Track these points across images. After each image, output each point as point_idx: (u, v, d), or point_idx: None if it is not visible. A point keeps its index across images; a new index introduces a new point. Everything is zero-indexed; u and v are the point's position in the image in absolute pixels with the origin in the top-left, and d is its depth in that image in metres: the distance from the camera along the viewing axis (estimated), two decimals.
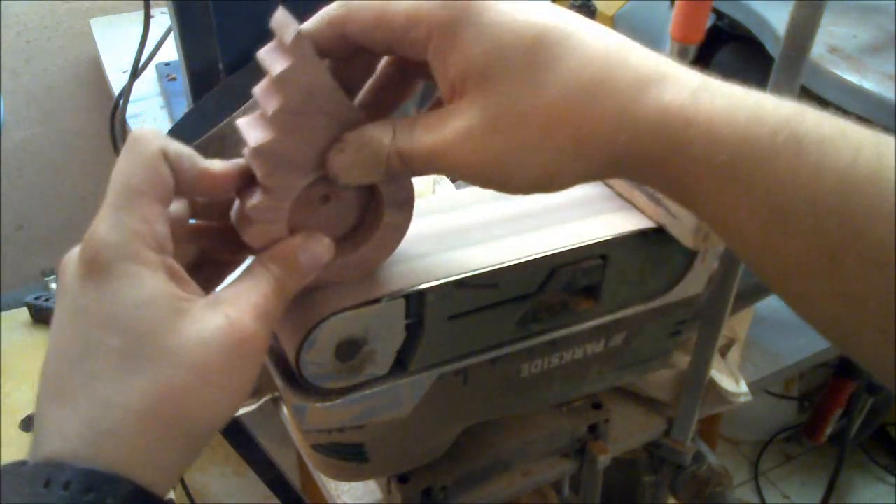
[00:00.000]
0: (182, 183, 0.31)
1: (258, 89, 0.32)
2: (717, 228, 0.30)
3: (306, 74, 0.30)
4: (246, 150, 0.32)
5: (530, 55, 0.29)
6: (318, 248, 0.33)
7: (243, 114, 0.34)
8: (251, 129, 0.32)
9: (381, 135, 0.32)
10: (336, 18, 0.31)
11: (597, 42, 0.29)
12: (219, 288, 0.33)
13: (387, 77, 0.35)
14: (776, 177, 0.26)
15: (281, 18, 0.30)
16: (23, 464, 0.28)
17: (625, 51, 0.29)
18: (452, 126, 0.30)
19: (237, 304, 0.30)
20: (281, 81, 0.30)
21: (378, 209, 0.36)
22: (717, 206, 0.28)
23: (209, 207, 0.35)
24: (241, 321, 0.30)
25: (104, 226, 0.29)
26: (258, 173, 0.32)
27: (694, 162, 0.27)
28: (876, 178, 0.25)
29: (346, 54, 0.33)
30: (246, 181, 0.33)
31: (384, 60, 0.35)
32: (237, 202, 0.33)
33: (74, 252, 0.30)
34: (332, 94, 0.31)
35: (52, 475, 0.26)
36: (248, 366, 0.30)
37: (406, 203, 0.36)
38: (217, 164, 0.33)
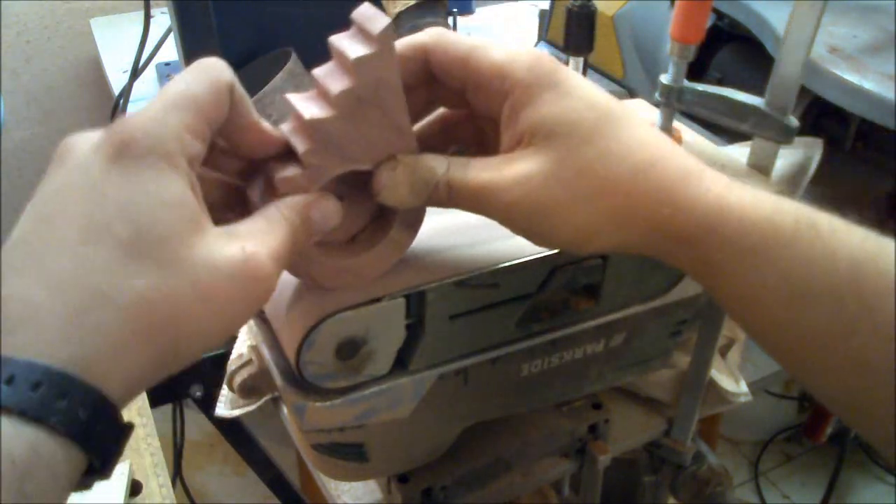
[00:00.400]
0: (232, 124, 0.31)
1: (321, 71, 0.33)
2: (736, 307, 0.33)
3: (382, 66, 0.32)
4: (288, 126, 0.33)
5: (598, 124, 0.32)
6: (330, 208, 0.33)
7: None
8: (308, 104, 0.32)
9: (436, 164, 0.34)
10: (426, 44, 0.34)
11: (649, 132, 0.34)
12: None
13: (430, 130, 0.38)
14: (798, 258, 0.30)
15: (369, 11, 0.32)
16: None
17: (671, 145, 0.34)
18: (514, 168, 0.33)
19: (255, 240, 0.30)
20: (358, 64, 0.31)
21: (387, 223, 0.36)
22: (742, 285, 0.32)
23: (227, 161, 0.34)
24: (257, 257, 0.29)
25: (148, 116, 0.28)
26: (302, 147, 0.32)
27: (726, 243, 0.31)
28: (881, 258, 0.30)
29: (416, 81, 0.35)
30: (280, 153, 0.33)
31: (434, 116, 0.38)
32: (262, 175, 0.33)
33: (88, 134, 0.29)
34: (398, 94, 0.33)
35: (17, 371, 0.23)
36: (249, 302, 0.29)
37: (414, 224, 0.37)
38: (266, 124, 0.33)
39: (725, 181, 0.33)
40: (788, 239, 0.31)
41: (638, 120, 0.34)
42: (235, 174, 0.34)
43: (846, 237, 0.30)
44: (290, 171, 0.32)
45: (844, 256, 0.30)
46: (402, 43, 0.34)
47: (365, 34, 0.32)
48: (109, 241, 0.26)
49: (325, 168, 0.33)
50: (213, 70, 0.30)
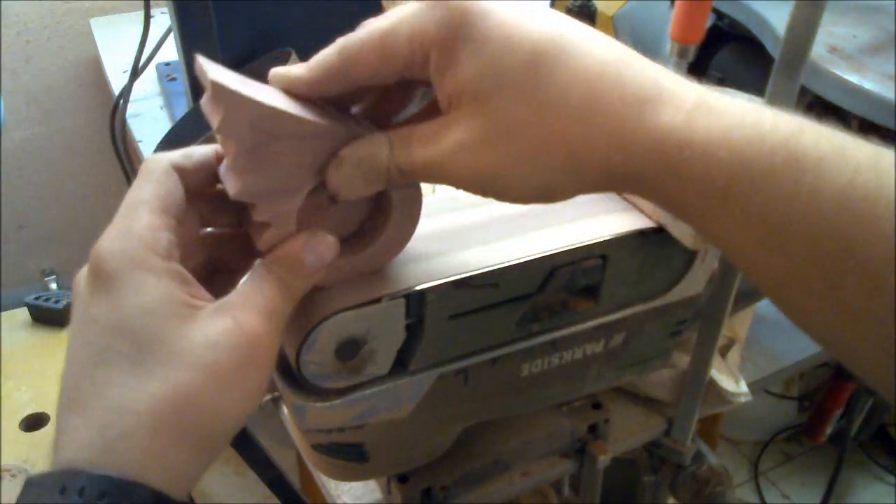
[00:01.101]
0: (196, 180, 0.33)
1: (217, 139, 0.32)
2: (713, 242, 0.30)
3: (239, 115, 0.30)
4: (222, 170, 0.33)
5: (523, 72, 0.29)
6: (322, 247, 0.33)
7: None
8: (226, 179, 0.32)
9: (377, 149, 0.32)
10: (336, 69, 0.32)
11: (591, 58, 0.29)
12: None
13: (387, 88, 0.35)
14: (774, 198, 0.26)
15: (199, 66, 0.31)
16: (48, 475, 0.28)
17: (622, 66, 0.29)
18: (448, 139, 0.31)
19: (243, 306, 0.31)
20: (221, 132, 0.30)
21: (386, 211, 0.36)
22: (713, 225, 0.28)
23: (220, 214, 0.35)
24: (248, 322, 0.30)
25: (110, 236, 0.30)
26: (251, 212, 0.32)
27: (690, 183, 0.27)
28: (874, 197, 0.25)
29: (355, 93, 0.33)
30: None
31: None
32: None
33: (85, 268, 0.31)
34: (282, 119, 0.30)
35: (67, 482, 0.27)
36: (258, 366, 0.31)
37: (413, 206, 0.36)
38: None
39: (689, 104, 0.28)
40: (762, 176, 0.26)
41: (578, 45, 0.29)
42: (232, 222, 0.35)
43: (835, 169, 0.25)
44: (260, 232, 0.32)
45: (829, 196, 0.25)
46: (316, 71, 0.32)
47: (211, 95, 0.30)
48: (115, 358, 0.29)
49: (283, 210, 0.32)
50: (150, 164, 0.32)
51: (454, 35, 0.29)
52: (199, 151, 0.34)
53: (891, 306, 0.25)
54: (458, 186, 0.32)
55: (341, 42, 0.32)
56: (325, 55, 0.32)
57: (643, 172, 0.28)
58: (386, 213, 0.36)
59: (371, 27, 0.31)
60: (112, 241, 0.30)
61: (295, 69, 0.33)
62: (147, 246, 0.30)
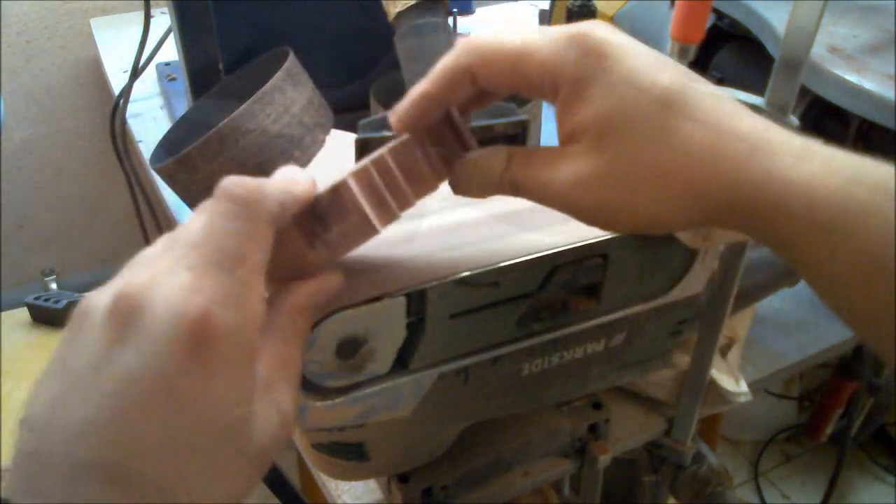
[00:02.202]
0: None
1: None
2: (811, 277, 0.32)
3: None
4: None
5: (652, 116, 0.31)
6: (333, 285, 0.34)
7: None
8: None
9: (493, 161, 0.34)
10: (469, 66, 0.33)
11: (712, 109, 0.31)
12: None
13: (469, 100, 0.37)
14: (873, 233, 0.28)
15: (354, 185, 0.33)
16: None
17: (737, 117, 0.31)
18: (568, 169, 0.32)
19: (284, 390, 0.30)
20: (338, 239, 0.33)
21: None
22: (814, 257, 0.30)
23: None
24: (288, 416, 0.30)
25: (223, 297, 0.27)
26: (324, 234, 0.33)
27: (794, 219, 0.30)
28: None
29: (467, 100, 0.35)
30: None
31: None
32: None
33: (156, 298, 0.26)
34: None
35: None
36: (281, 447, 0.31)
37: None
38: (304, 186, 0.33)
39: (797, 150, 0.30)
40: (862, 212, 0.28)
41: (700, 96, 0.32)
42: None
43: None
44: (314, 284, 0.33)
45: None
46: (443, 67, 0.34)
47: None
48: (188, 450, 0.26)
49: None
50: (259, 211, 0.29)
51: (589, 74, 0.31)
52: (290, 202, 0.31)
53: None
54: (568, 213, 0.33)
55: (473, 44, 0.33)
56: (455, 55, 0.33)
57: (753, 209, 0.31)
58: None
59: (504, 38, 0.33)
60: (227, 308, 0.27)
61: (420, 86, 0.34)
62: (255, 322, 0.28)
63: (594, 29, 0.32)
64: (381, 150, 0.34)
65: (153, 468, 0.26)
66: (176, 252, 0.28)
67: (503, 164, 0.34)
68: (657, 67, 0.32)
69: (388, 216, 0.34)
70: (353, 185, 0.33)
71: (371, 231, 0.33)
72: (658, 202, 0.32)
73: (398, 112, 0.34)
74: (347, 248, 0.34)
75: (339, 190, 0.33)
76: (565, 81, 0.32)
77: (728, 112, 0.32)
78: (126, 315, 0.26)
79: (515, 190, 0.34)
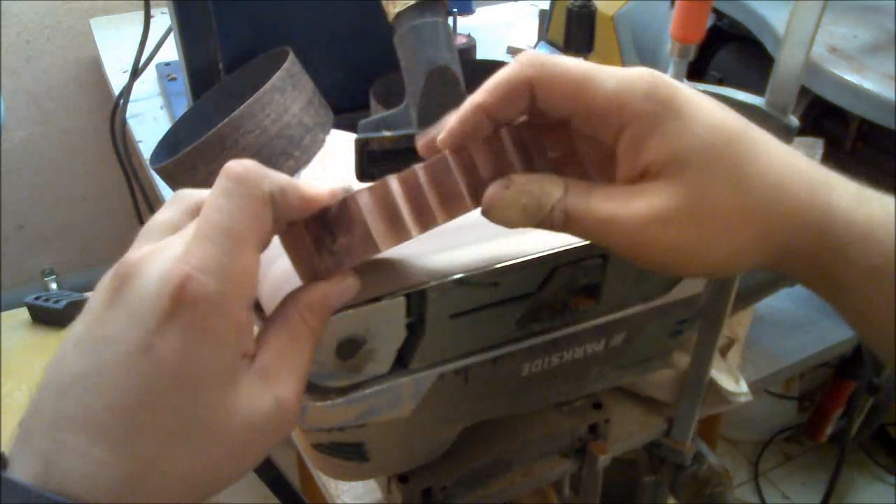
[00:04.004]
0: (281, 217, 0.31)
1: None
2: (860, 321, 0.32)
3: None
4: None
5: (727, 152, 0.31)
6: (348, 288, 0.33)
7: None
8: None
9: (552, 187, 0.32)
10: (530, 79, 0.32)
11: (776, 148, 0.32)
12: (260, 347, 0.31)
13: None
14: None
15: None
16: (21, 485, 0.25)
17: (796, 157, 0.32)
18: (645, 203, 0.31)
19: (284, 380, 0.30)
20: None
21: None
22: (866, 302, 0.31)
23: None
24: (287, 403, 0.30)
25: (204, 264, 0.27)
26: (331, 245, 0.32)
27: (849, 262, 0.30)
28: None
29: (519, 114, 0.33)
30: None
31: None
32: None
33: (148, 266, 0.27)
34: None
35: None
36: (277, 440, 0.30)
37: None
38: (314, 191, 0.32)
39: (853, 193, 0.31)
40: None
41: (761, 137, 0.32)
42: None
43: None
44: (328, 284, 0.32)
45: None
46: (504, 78, 0.32)
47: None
48: (163, 407, 0.26)
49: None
50: (249, 186, 0.29)
51: (661, 110, 0.31)
52: (293, 193, 0.31)
53: None
54: (631, 252, 0.32)
55: (539, 59, 0.32)
56: (519, 65, 0.32)
57: (810, 247, 0.31)
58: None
59: (570, 60, 0.32)
60: (209, 275, 0.27)
61: (475, 98, 0.33)
62: (241, 295, 0.28)
63: (655, 73, 0.32)
64: (416, 166, 0.33)
65: (127, 423, 0.26)
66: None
67: (560, 192, 0.32)
68: (721, 109, 0.32)
69: (399, 236, 0.33)
70: (364, 201, 0.32)
71: (373, 249, 0.32)
72: (733, 244, 0.31)
73: (448, 127, 0.33)
74: (351, 262, 0.32)
75: (347, 203, 0.32)
76: (635, 116, 0.31)
77: (786, 152, 0.32)
78: (121, 282, 0.27)
79: (566, 223, 0.32)
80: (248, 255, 0.28)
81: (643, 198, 0.31)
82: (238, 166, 0.29)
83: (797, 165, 0.31)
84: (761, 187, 0.31)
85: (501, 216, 0.33)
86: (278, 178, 0.30)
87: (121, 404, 0.26)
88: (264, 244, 0.30)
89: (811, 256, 0.31)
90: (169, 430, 0.27)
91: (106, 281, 0.28)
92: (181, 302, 0.26)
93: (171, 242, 0.29)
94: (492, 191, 0.33)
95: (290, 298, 0.32)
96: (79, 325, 0.28)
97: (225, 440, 0.28)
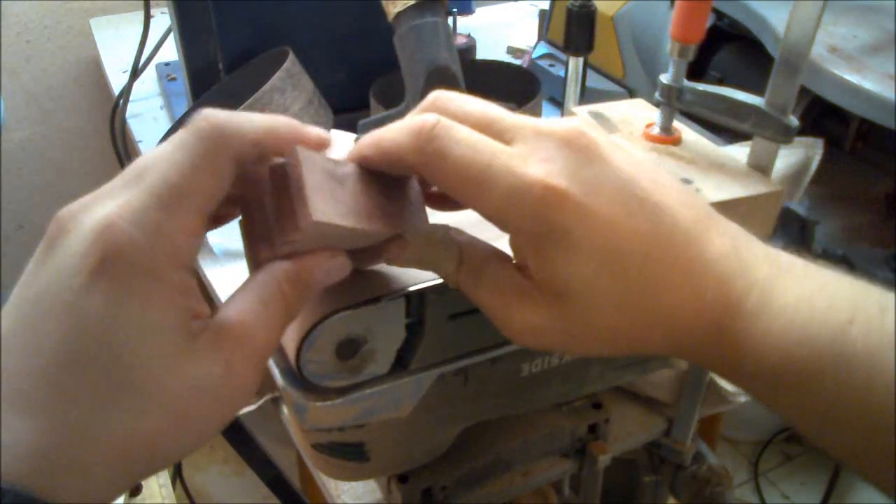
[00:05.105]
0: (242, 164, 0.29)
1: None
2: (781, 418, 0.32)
3: (321, 232, 0.29)
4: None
5: (609, 285, 0.29)
6: (336, 267, 0.31)
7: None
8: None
9: (445, 261, 0.34)
10: (410, 167, 0.30)
11: (674, 273, 0.30)
12: (224, 302, 0.29)
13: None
14: (822, 392, 0.28)
15: (295, 163, 0.29)
16: None
17: (697, 280, 0.30)
18: (522, 315, 0.31)
19: (240, 345, 0.28)
20: (296, 242, 0.29)
21: None
22: (771, 405, 0.31)
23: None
24: (241, 370, 0.28)
25: (133, 216, 0.25)
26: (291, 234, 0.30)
27: (745, 377, 0.31)
28: None
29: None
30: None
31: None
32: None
33: (83, 217, 0.26)
34: (354, 233, 0.31)
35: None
36: (228, 414, 0.28)
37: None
38: (277, 125, 0.30)
39: (752, 305, 0.30)
40: (810, 375, 0.28)
41: (663, 254, 0.30)
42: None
43: (884, 364, 0.26)
44: (291, 237, 0.29)
45: (881, 388, 0.26)
46: (388, 152, 0.31)
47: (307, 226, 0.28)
48: (90, 368, 0.25)
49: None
50: (216, 138, 0.27)
51: (544, 233, 0.29)
52: (252, 133, 0.28)
53: None
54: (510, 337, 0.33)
55: (426, 145, 0.29)
56: (399, 151, 0.30)
57: (701, 361, 0.32)
58: None
59: (465, 148, 0.29)
60: (136, 227, 0.25)
61: (360, 147, 0.32)
62: (174, 254, 0.26)
63: (555, 192, 0.29)
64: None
65: (50, 389, 0.24)
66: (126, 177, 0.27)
67: (452, 267, 0.34)
68: (630, 218, 0.29)
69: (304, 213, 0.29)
70: (301, 157, 0.29)
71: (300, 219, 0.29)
72: (610, 349, 0.32)
73: (351, 151, 0.33)
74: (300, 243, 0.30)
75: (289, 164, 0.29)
76: (519, 232, 0.30)
77: (687, 272, 0.30)
78: (55, 236, 0.26)
79: (462, 291, 0.34)
80: (190, 216, 0.26)
81: (522, 309, 0.31)
82: (205, 121, 0.27)
83: (695, 289, 0.30)
84: (651, 309, 0.30)
85: (399, 265, 0.35)
86: (256, 126, 0.28)
87: (44, 369, 0.24)
88: (212, 206, 0.28)
89: (706, 365, 0.32)
90: (97, 394, 0.25)
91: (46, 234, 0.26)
92: (106, 255, 0.25)
93: (116, 191, 0.27)
94: (388, 248, 0.33)
95: (272, 266, 0.30)
96: (17, 287, 0.26)
97: (166, 404, 0.26)
